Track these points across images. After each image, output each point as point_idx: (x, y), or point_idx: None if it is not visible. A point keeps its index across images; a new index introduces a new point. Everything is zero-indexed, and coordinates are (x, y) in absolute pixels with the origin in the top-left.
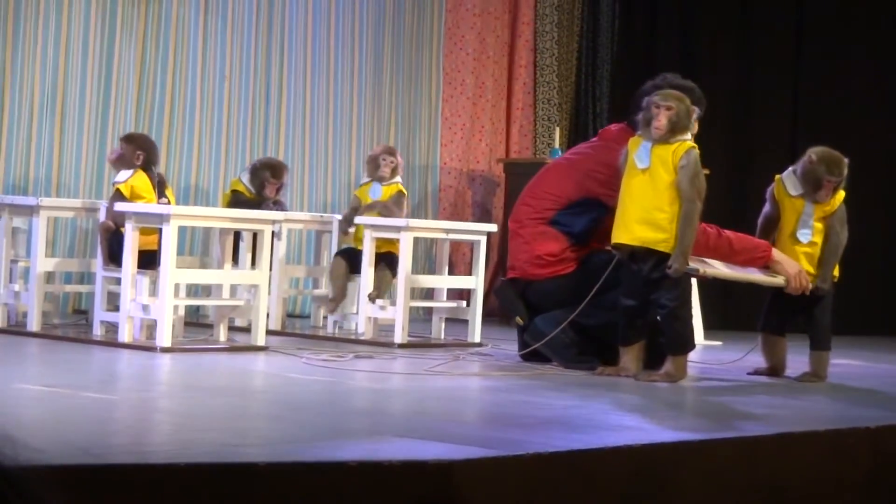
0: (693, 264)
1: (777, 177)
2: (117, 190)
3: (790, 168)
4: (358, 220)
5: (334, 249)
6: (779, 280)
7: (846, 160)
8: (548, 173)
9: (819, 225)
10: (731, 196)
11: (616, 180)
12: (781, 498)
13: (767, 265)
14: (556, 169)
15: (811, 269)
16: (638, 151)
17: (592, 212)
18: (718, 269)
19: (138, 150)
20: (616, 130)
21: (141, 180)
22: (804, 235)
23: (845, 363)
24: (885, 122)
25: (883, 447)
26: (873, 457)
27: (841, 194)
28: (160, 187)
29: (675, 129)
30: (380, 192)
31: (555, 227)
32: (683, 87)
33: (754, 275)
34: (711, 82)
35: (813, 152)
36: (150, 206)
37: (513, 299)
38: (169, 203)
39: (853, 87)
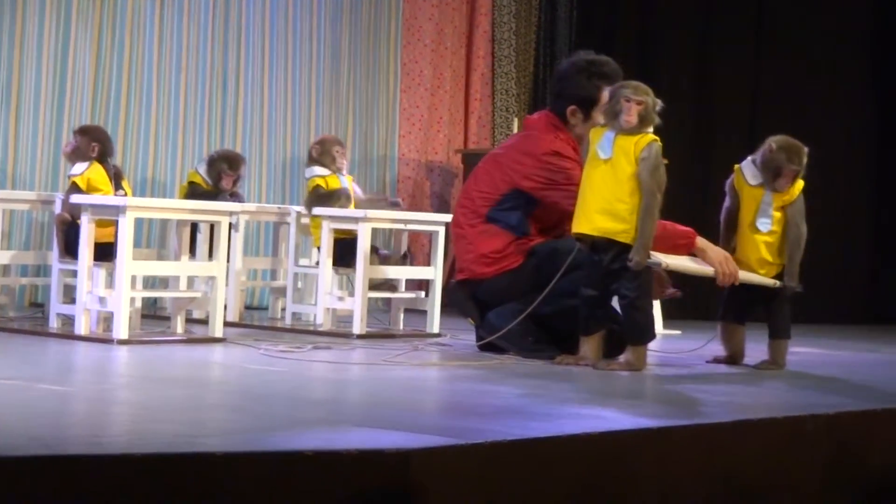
0: (655, 258)
1: (736, 167)
2: (73, 183)
3: (749, 157)
4: (318, 211)
5: (292, 241)
6: (749, 276)
7: (806, 149)
8: (477, 172)
9: (778, 214)
10: (690, 186)
11: (541, 171)
12: (740, 484)
13: (692, 252)
14: (483, 167)
15: (770, 259)
16: (601, 141)
17: (524, 206)
18: (681, 263)
19: (93, 142)
20: (537, 118)
21: (97, 173)
22: (764, 224)
23: (804, 351)
24: (844, 108)
25: (841, 434)
26: (831, 443)
27: (800, 184)
28: (116, 179)
29: (643, 123)
30: (347, 184)
31: (493, 223)
32: (598, 62)
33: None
34: (671, 71)
35: (773, 141)
36: (107, 198)
37: (463, 301)
38: (126, 195)
39: (814, 73)
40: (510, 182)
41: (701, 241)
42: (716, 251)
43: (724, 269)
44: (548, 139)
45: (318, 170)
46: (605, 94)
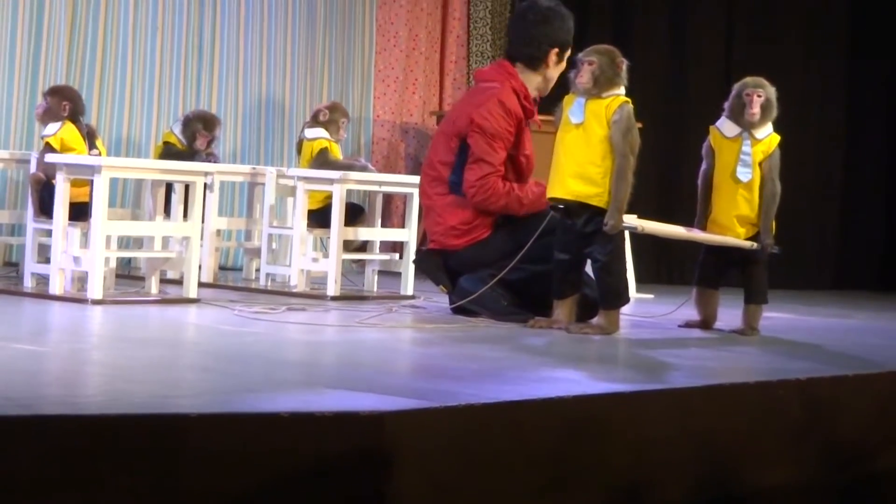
0: (629, 221)
1: (711, 127)
2: (47, 143)
3: (722, 115)
4: (300, 172)
5: (268, 202)
6: (725, 239)
7: (773, 87)
8: (435, 138)
9: (757, 171)
10: (663, 148)
11: (481, 118)
12: (712, 448)
13: None
14: (438, 133)
15: (751, 215)
16: (572, 107)
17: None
18: (656, 226)
19: (64, 101)
20: (489, 70)
21: (70, 132)
22: (744, 174)
23: (776, 316)
24: (818, 77)
25: (812, 399)
26: (802, 408)
27: (776, 138)
28: (90, 138)
29: (599, 83)
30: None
31: (458, 194)
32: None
33: (695, 233)
34: (645, 39)
35: (735, 84)
36: (82, 157)
37: (434, 270)
38: (100, 154)
39: (787, 40)
40: (458, 134)
41: None
42: None
43: None
44: (497, 91)
45: (325, 133)
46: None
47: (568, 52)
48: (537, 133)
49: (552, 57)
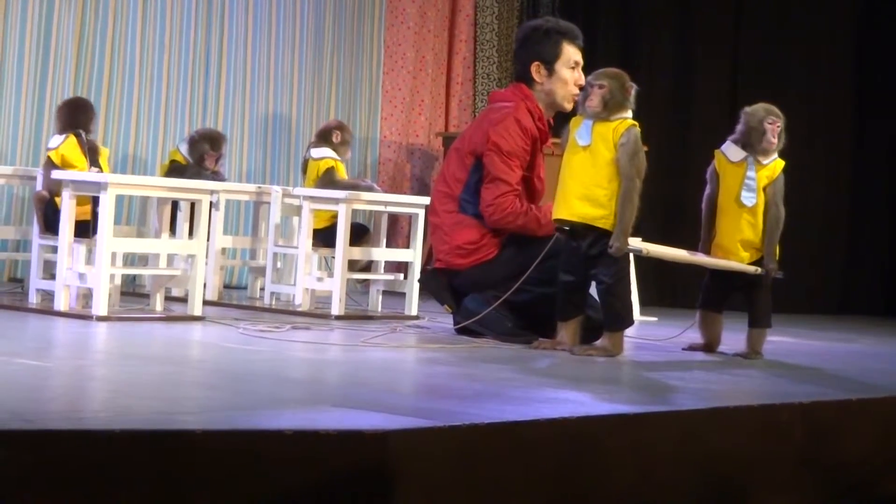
0: (634, 244)
1: (716, 151)
2: (49, 158)
3: (728, 139)
4: (306, 191)
5: (273, 220)
6: (729, 263)
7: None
8: (449, 155)
9: (762, 195)
10: (668, 174)
11: (496, 135)
12: (715, 471)
13: None
14: (452, 149)
15: (754, 240)
16: (579, 129)
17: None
18: (661, 249)
19: (59, 112)
20: (504, 92)
21: (71, 148)
22: (748, 199)
23: (780, 340)
24: (823, 103)
25: (814, 422)
26: (805, 432)
27: (780, 163)
28: (92, 154)
29: (609, 107)
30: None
31: (467, 213)
32: (552, 20)
33: (699, 257)
34: (651, 60)
35: (745, 109)
36: (88, 174)
37: (439, 290)
38: (101, 171)
39: (793, 64)
40: (473, 152)
41: None
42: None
43: None
44: (513, 110)
45: (331, 152)
46: (567, 49)
47: (557, 63)
48: (547, 156)
49: (535, 70)
